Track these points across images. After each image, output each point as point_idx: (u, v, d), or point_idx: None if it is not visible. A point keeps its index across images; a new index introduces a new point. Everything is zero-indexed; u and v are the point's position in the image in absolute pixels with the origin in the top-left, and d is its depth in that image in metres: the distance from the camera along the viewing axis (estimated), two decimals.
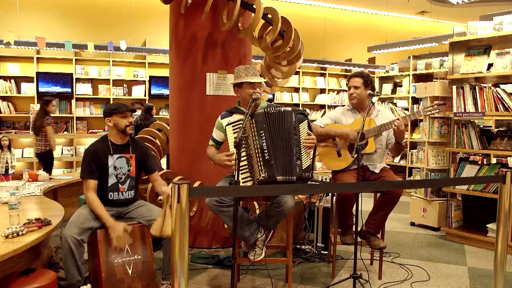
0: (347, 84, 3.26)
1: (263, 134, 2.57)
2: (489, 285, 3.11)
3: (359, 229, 3.00)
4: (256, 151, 2.55)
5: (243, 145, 2.57)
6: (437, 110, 3.09)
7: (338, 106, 7.37)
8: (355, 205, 2.88)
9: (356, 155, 2.73)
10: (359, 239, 3.07)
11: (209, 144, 2.96)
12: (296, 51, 3.70)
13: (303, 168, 2.56)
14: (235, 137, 2.51)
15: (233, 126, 2.66)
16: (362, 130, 2.89)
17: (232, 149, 2.59)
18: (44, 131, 5.61)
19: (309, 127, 2.68)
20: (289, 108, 2.65)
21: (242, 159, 2.57)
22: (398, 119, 2.96)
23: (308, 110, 8.95)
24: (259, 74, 2.81)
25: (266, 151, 2.54)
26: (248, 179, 2.57)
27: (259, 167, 2.53)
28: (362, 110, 3.21)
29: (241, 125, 2.54)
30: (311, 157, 2.64)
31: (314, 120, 3.23)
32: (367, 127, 3.06)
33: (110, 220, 2.63)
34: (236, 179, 2.45)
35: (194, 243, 3.89)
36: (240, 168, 2.53)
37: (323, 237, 3.76)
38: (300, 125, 2.63)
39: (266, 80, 4.26)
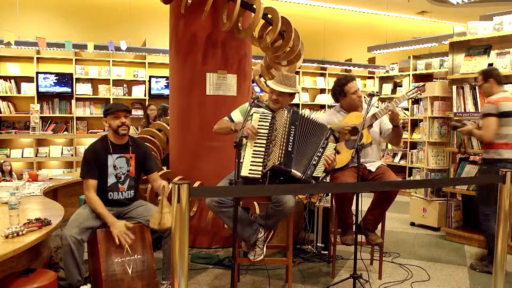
0: (344, 88, 3.25)
1: (293, 129, 2.67)
2: (489, 285, 3.11)
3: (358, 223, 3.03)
4: (282, 140, 2.63)
5: (265, 133, 2.70)
6: (419, 92, 3.14)
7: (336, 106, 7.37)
8: (354, 204, 2.89)
9: (356, 155, 2.76)
10: (359, 239, 3.07)
11: (223, 119, 2.97)
12: (296, 51, 3.70)
13: (313, 174, 2.65)
14: (236, 136, 2.55)
15: (261, 115, 2.77)
16: (354, 125, 2.99)
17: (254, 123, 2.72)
18: None
19: (336, 151, 2.79)
20: (327, 124, 2.86)
21: (259, 145, 2.68)
22: (387, 106, 3.06)
23: (308, 110, 8.96)
24: (293, 86, 2.89)
25: (291, 143, 2.63)
26: (258, 164, 2.63)
27: (280, 154, 2.59)
28: (350, 110, 3.28)
29: (268, 116, 2.74)
30: (323, 172, 2.72)
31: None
32: (357, 121, 3.10)
33: (111, 218, 2.63)
34: (236, 177, 2.47)
35: (194, 243, 3.89)
36: (253, 153, 2.65)
37: (323, 237, 3.76)
38: (329, 143, 2.76)
39: (266, 80, 4.27)
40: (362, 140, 3.08)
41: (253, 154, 2.65)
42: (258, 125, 2.70)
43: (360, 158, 3.14)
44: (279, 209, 2.66)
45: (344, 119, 3.24)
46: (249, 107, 2.73)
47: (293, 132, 2.67)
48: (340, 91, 3.27)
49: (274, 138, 2.68)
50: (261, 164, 2.64)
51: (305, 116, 2.76)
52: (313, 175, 2.65)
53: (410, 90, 3.17)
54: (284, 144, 2.62)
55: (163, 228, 2.50)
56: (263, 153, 2.67)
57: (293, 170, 2.58)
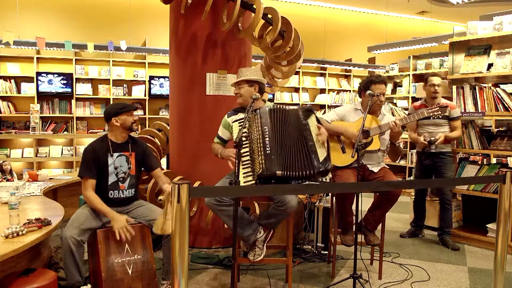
0: (370, 87, 3.17)
1: (267, 130, 2.63)
2: (489, 285, 3.11)
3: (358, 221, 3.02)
4: (258, 145, 2.59)
5: (246, 141, 2.64)
6: (440, 112, 3.13)
7: (339, 105, 7.38)
8: (354, 204, 2.89)
9: (356, 155, 2.75)
10: (359, 240, 3.07)
11: (214, 142, 3.00)
12: (296, 51, 3.70)
13: (320, 160, 2.57)
14: (236, 136, 2.54)
15: (239, 123, 2.72)
16: (367, 128, 2.93)
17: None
18: None
19: (318, 121, 2.73)
20: (295, 107, 2.73)
21: (244, 154, 2.63)
22: (397, 120, 3.00)
23: None
24: (249, 75, 2.85)
25: (268, 145, 2.59)
26: (249, 174, 2.59)
27: (260, 161, 2.56)
28: (371, 112, 3.20)
29: (247, 122, 2.62)
30: (326, 149, 2.65)
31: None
32: (371, 125, 3.08)
33: (112, 213, 2.64)
34: (236, 178, 2.46)
35: (194, 243, 3.89)
36: (242, 164, 2.59)
37: (323, 237, 3.76)
38: (309, 121, 2.68)
39: (266, 80, 4.27)
40: (370, 146, 3.08)
41: (242, 165, 2.61)
42: (240, 135, 2.54)
43: (364, 161, 3.15)
44: (282, 209, 2.65)
45: (356, 122, 3.19)
46: (227, 118, 2.74)
47: (267, 133, 2.62)
48: (365, 87, 3.21)
49: (252, 146, 2.63)
50: (251, 173, 2.59)
51: (275, 109, 2.69)
52: (321, 160, 2.56)
53: (431, 108, 3.13)
54: (262, 148, 2.58)
55: (166, 234, 2.52)
56: (249, 162, 2.62)
57: (277, 172, 2.53)
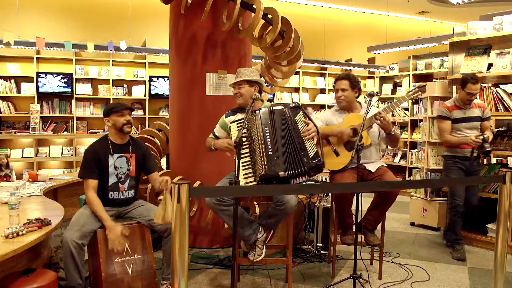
0: (334, 87, 3.27)
1: (268, 130, 2.62)
2: (489, 285, 3.11)
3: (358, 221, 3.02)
4: (260, 147, 2.58)
5: (246, 142, 2.63)
6: (420, 93, 3.12)
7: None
8: (354, 204, 2.88)
9: (356, 155, 2.75)
10: (359, 239, 3.07)
11: (208, 137, 3.00)
12: (296, 51, 3.70)
13: (310, 156, 2.54)
14: (235, 136, 2.53)
15: (237, 124, 2.71)
16: (354, 127, 2.93)
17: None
18: None
19: (306, 116, 2.72)
20: (281, 106, 2.73)
21: (244, 155, 2.62)
22: (379, 112, 2.99)
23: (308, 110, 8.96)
24: (247, 75, 2.86)
25: (270, 146, 2.57)
26: (250, 175, 2.58)
27: (262, 162, 2.54)
28: (350, 110, 3.24)
29: (242, 122, 2.59)
30: (315, 144, 2.63)
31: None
32: (357, 122, 3.08)
33: (109, 222, 2.63)
34: (236, 178, 2.46)
35: (194, 243, 3.89)
36: (242, 165, 2.57)
37: (323, 237, 3.76)
38: (296, 118, 2.67)
39: (266, 80, 4.27)
40: (362, 141, 3.07)
41: (242, 166, 2.58)
42: (239, 136, 2.51)
43: (360, 160, 3.14)
44: (281, 209, 2.65)
45: (343, 120, 3.21)
46: (225, 119, 2.72)
47: (268, 134, 2.60)
48: (333, 87, 3.30)
49: (253, 147, 2.61)
50: (252, 174, 2.57)
51: (275, 110, 2.69)
52: (311, 156, 2.53)
53: (411, 91, 3.14)
54: (263, 149, 2.56)
55: (167, 223, 2.48)
56: (250, 163, 2.60)
57: (280, 173, 2.52)
